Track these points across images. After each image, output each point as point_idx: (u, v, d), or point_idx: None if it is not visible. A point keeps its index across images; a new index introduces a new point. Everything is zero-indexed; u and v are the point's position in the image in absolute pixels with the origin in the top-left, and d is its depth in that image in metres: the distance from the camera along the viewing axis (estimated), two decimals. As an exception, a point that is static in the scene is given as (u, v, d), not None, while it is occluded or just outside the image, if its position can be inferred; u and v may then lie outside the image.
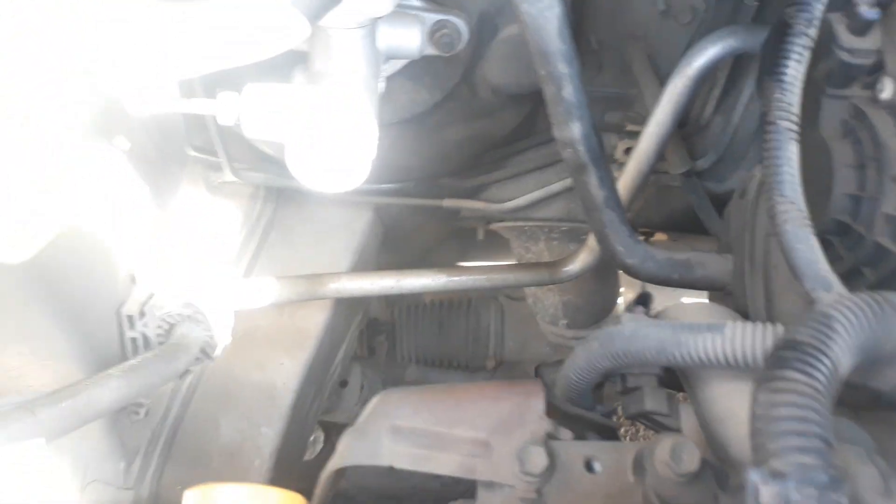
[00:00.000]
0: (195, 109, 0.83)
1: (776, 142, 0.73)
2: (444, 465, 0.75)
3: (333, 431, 1.90)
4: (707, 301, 0.93)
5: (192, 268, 1.18)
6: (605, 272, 1.60)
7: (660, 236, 1.53)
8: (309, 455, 1.92)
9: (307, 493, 0.85)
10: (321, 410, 1.48)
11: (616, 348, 0.78)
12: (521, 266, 1.29)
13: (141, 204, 1.07)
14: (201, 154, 1.26)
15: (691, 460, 0.69)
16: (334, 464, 0.75)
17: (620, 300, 1.75)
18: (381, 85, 1.01)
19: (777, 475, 0.44)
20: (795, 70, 0.76)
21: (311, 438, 1.96)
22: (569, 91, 0.87)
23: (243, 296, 1.16)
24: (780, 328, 0.69)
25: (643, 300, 0.88)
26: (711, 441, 0.74)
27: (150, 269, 1.04)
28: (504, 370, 1.91)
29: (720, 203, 1.33)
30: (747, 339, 0.68)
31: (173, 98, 0.86)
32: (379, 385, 1.82)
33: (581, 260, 1.25)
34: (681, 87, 1.06)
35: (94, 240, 0.99)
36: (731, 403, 0.72)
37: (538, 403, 0.78)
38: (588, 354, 0.82)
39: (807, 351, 0.51)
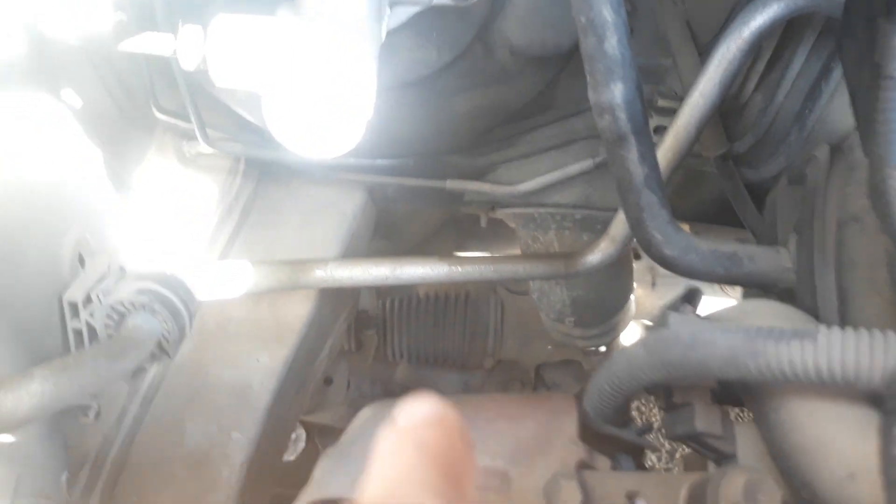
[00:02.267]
0: (148, 48, 0.66)
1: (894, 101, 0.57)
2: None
3: (316, 431, 1.76)
4: (769, 300, 0.77)
5: (152, 248, 1.02)
6: (619, 266, 1.45)
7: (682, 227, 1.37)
8: (290, 455, 1.77)
9: (286, 499, 0.70)
10: (303, 410, 1.32)
11: (671, 357, 0.62)
12: (533, 257, 1.13)
13: (93, 170, 0.90)
14: (171, 118, 1.09)
15: (770, 501, 0.53)
16: (310, 495, 0.58)
17: (633, 297, 1.61)
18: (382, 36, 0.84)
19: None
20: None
21: (293, 436, 1.81)
22: (612, 44, 0.71)
23: (214, 283, 0.99)
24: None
25: (691, 297, 0.72)
26: (791, 476, 0.59)
27: (101, 248, 0.87)
28: (502, 369, 1.77)
29: (753, 193, 1.17)
30: (852, 350, 0.52)
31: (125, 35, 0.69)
32: (367, 383, 1.66)
33: (602, 250, 1.09)
34: (734, 52, 0.90)
35: (31, 211, 0.82)
36: (824, 432, 0.56)
37: (570, 424, 0.62)
38: (631, 363, 0.66)
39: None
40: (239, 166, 1.19)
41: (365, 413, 0.61)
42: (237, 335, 1.15)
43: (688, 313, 0.73)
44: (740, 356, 0.57)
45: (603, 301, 1.51)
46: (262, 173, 1.25)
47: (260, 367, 1.13)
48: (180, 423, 1.08)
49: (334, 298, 1.24)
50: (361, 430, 0.60)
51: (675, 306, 0.75)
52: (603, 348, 1.68)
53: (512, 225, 1.48)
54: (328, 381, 1.59)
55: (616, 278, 1.48)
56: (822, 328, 0.55)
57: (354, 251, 1.26)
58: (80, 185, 0.84)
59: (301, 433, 1.89)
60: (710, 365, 0.59)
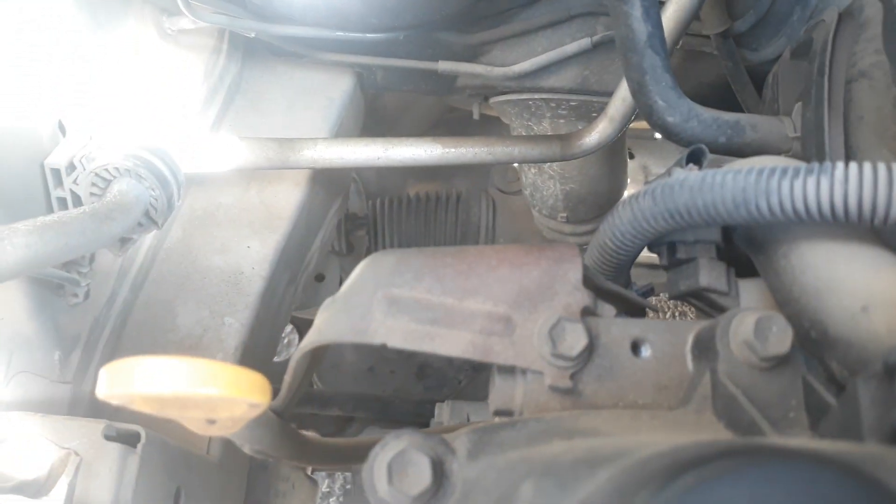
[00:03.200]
0: None
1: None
2: (452, 344, 0.57)
3: (308, 329, 1.76)
4: (775, 155, 0.74)
5: (136, 115, 0.97)
6: (613, 159, 1.43)
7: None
8: (281, 357, 1.78)
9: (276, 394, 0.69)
10: (295, 304, 1.31)
11: (678, 203, 0.59)
12: (528, 139, 1.10)
13: (71, 30, 0.85)
14: (150, -10, 1.03)
15: (782, 339, 0.52)
16: (310, 341, 0.57)
17: (626, 193, 1.59)
18: None
19: None
20: None
21: (285, 340, 1.82)
22: None
23: (201, 154, 0.95)
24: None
25: (696, 156, 0.70)
26: (800, 320, 0.57)
27: (83, 111, 0.83)
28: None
29: (753, 76, 1.14)
30: (870, 182, 0.50)
31: None
32: (359, 281, 1.66)
33: (600, 131, 1.06)
34: None
35: (7, 74, 0.77)
36: (836, 271, 0.55)
37: (574, 271, 0.60)
38: (635, 214, 0.64)
39: None
40: (222, 45, 1.14)
41: (368, 261, 0.59)
42: (226, 222, 1.12)
43: (691, 172, 0.71)
44: (751, 196, 0.55)
45: (596, 195, 1.49)
46: (246, 56, 1.20)
47: (251, 253, 1.10)
48: (172, 308, 1.06)
49: (325, 186, 1.21)
50: (363, 279, 0.57)
51: (679, 163, 0.73)
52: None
53: (505, 120, 1.44)
54: (320, 277, 1.58)
55: (610, 171, 1.45)
56: (839, 163, 0.52)
57: (343, 140, 1.23)
58: (55, 50, 0.80)
59: (293, 337, 1.89)
60: (720, 208, 0.57)
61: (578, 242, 1.61)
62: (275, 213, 1.13)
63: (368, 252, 1.74)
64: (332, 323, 0.56)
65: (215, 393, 0.43)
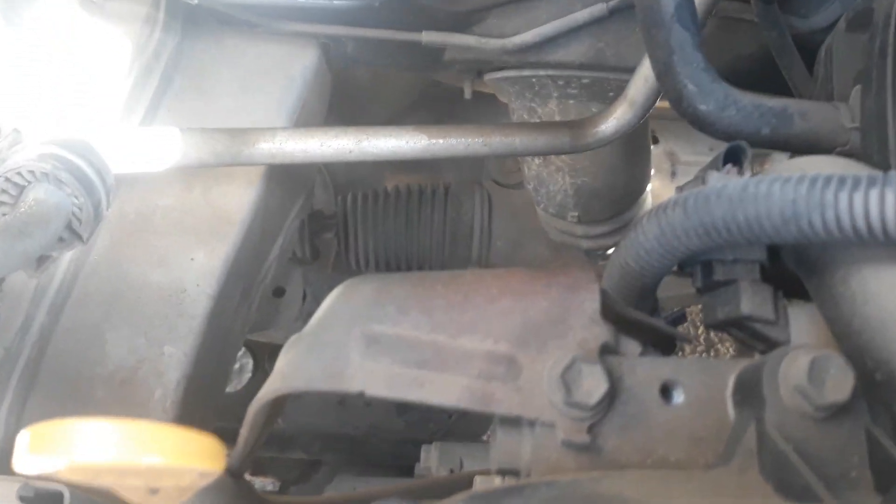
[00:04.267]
0: None
1: None
2: (445, 391, 0.58)
3: (265, 355, 1.77)
4: (828, 156, 0.75)
5: (53, 106, 0.97)
6: (634, 146, 1.44)
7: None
8: (234, 386, 1.78)
9: (229, 434, 0.69)
10: (249, 326, 1.31)
11: (714, 216, 0.60)
12: (531, 127, 1.11)
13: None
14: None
15: (841, 384, 0.53)
16: (272, 389, 0.57)
17: (648, 187, 1.61)
18: None
19: None
20: None
21: (237, 365, 1.82)
22: None
23: (134, 153, 0.95)
24: None
25: (735, 155, 0.71)
26: (862, 358, 0.58)
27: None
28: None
29: (802, 47, 1.15)
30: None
31: None
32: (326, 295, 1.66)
33: (618, 117, 1.07)
34: None
35: None
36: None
37: (590, 300, 0.60)
38: (663, 229, 0.64)
39: None
40: (158, 14, 1.13)
41: (341, 289, 0.59)
42: (165, 228, 1.12)
43: (730, 174, 0.71)
44: (803, 210, 0.56)
45: (613, 190, 1.50)
46: (187, 27, 1.20)
47: (195, 266, 1.10)
48: (99, 335, 1.06)
49: (284, 183, 1.21)
50: (336, 312, 0.58)
51: (715, 165, 0.74)
52: (612, 251, 1.68)
53: (503, 98, 1.45)
54: (279, 291, 1.58)
55: (630, 162, 1.46)
56: (906, 172, 0.53)
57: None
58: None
59: (247, 362, 1.89)
60: (765, 224, 0.58)
61: (592, 246, 1.62)
62: (224, 216, 1.13)
63: (338, 259, 1.74)
64: (298, 366, 0.57)
65: (160, 462, 0.43)
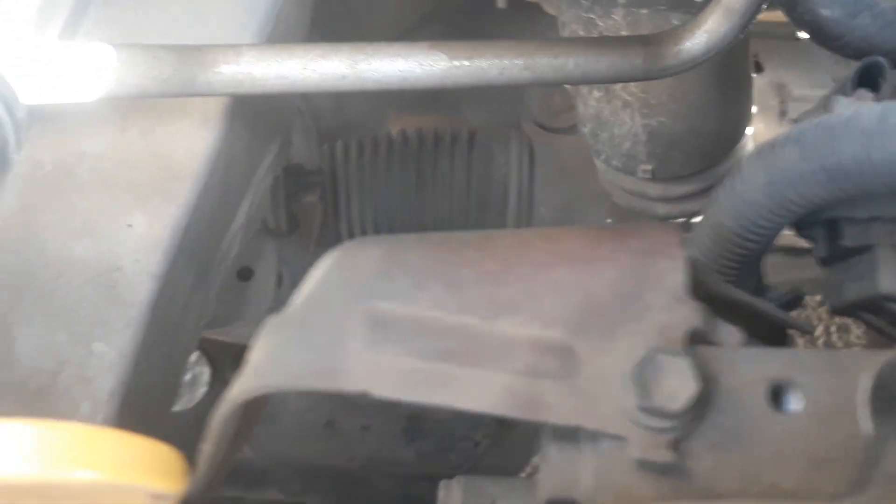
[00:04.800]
0: None
1: None
2: (477, 392, 0.59)
3: (227, 361, 1.78)
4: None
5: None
6: (729, 70, 1.44)
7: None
8: (184, 403, 1.80)
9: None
10: (206, 320, 1.33)
11: (844, 154, 0.61)
12: (590, 43, 1.11)
13: None
14: None
15: None
16: (246, 388, 0.58)
17: (749, 131, 1.61)
18: None
19: None
20: None
21: (188, 376, 1.84)
22: None
23: (52, 74, 0.97)
24: None
25: (871, 74, 0.71)
26: None
27: None
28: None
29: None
30: None
31: None
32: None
33: (709, 30, 1.07)
34: None
35: None
36: None
37: (674, 269, 0.61)
38: (771, 175, 0.66)
39: None
40: None
41: (335, 255, 0.60)
42: (93, 184, 1.13)
43: (863, 99, 0.72)
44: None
45: (700, 134, 1.50)
46: None
47: (133, 236, 1.12)
48: (6, 329, 1.08)
49: (253, 123, 1.23)
50: (329, 285, 0.59)
51: (843, 89, 0.75)
52: (698, 218, 1.69)
53: (549, 8, 1.45)
54: (246, 273, 1.59)
55: (724, 95, 1.47)
56: None
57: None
58: None
59: (202, 371, 1.91)
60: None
61: (671, 212, 1.63)
62: (171, 168, 1.15)
63: (324, 230, 1.76)
64: (280, 358, 0.58)
65: (97, 477, 0.44)
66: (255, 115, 1.23)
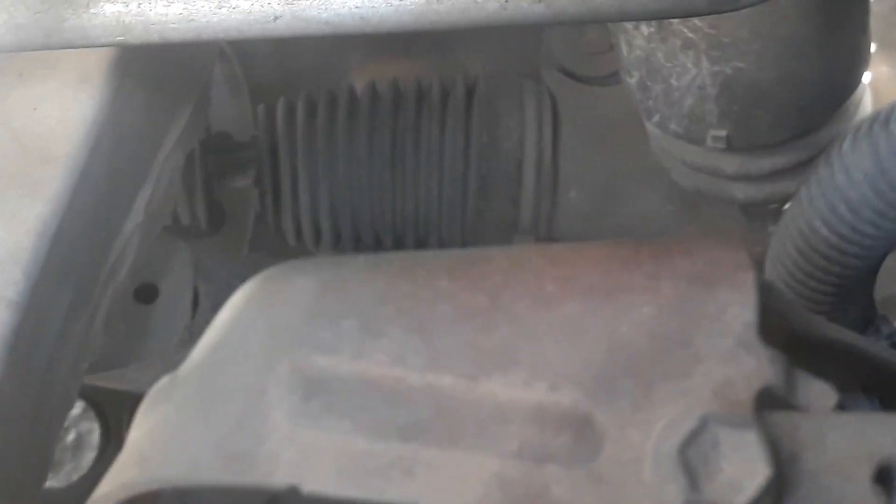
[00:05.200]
0: None
1: None
2: (453, 484, 0.60)
3: (123, 416, 1.79)
4: None
5: None
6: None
7: None
8: (68, 474, 1.81)
9: None
10: (90, 359, 1.34)
11: None
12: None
13: None
14: None
15: None
16: (121, 483, 0.58)
17: (867, 78, 1.61)
18: None
19: None
20: None
21: (72, 435, 1.85)
22: None
23: None
24: None
25: None
26: None
27: None
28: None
29: None
30: None
31: None
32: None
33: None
34: None
35: None
36: None
37: (740, 304, 0.62)
38: (882, 160, 0.66)
39: None
40: None
41: (254, 286, 0.61)
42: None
43: None
44: None
45: (796, 87, 1.51)
46: None
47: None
48: None
49: (153, 82, 1.23)
50: (246, 326, 0.59)
51: None
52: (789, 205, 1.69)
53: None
54: (147, 293, 1.61)
55: (829, 31, 1.47)
56: None
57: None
58: None
59: (89, 428, 1.92)
60: None
61: (754, 197, 1.63)
62: (35, 149, 1.16)
63: (261, 226, 1.77)
64: (172, 439, 0.58)
65: None
66: (154, 69, 1.23)
